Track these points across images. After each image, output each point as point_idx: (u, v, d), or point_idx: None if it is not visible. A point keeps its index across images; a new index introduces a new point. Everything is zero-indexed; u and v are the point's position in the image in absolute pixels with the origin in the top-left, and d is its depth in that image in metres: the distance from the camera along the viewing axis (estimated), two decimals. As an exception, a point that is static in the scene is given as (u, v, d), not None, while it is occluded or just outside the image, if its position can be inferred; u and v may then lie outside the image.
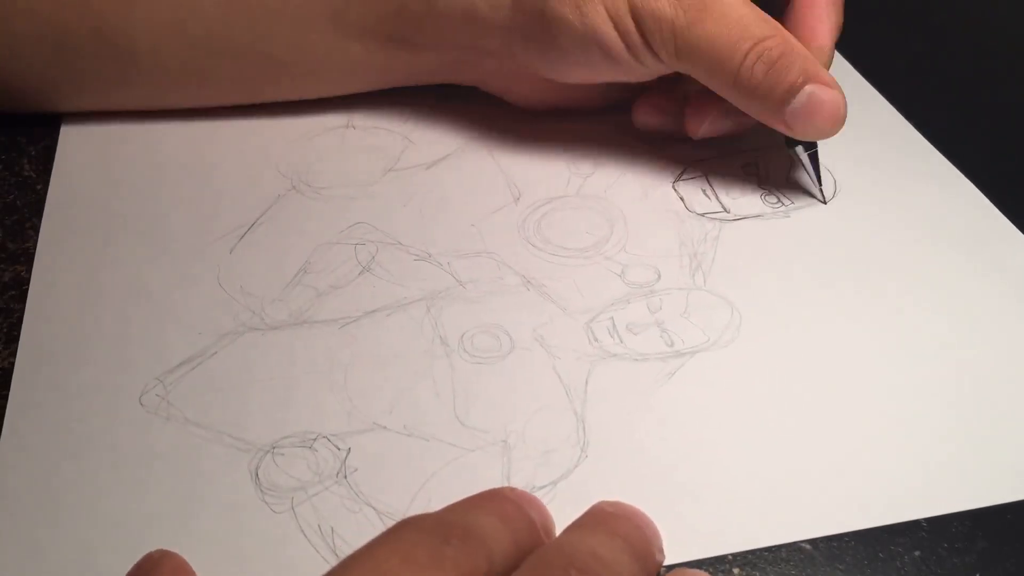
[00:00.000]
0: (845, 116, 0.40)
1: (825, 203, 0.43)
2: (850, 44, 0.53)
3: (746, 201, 0.43)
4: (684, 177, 0.44)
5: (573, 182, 0.44)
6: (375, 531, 0.30)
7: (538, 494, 0.31)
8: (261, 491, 0.31)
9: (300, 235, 0.41)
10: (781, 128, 0.40)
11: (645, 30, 0.39)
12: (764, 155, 0.45)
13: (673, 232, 0.41)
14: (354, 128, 0.47)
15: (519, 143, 0.46)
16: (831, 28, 0.42)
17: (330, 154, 0.45)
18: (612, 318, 0.37)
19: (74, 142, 0.45)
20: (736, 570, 0.29)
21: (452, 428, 0.33)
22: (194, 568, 0.29)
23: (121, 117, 0.46)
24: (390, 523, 0.30)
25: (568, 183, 0.44)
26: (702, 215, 0.42)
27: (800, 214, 0.42)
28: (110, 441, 0.32)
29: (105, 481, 0.31)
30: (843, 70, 0.51)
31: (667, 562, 0.29)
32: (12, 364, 0.35)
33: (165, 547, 0.29)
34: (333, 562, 0.28)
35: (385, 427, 0.33)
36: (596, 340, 0.36)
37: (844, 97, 0.40)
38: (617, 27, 0.39)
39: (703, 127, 0.43)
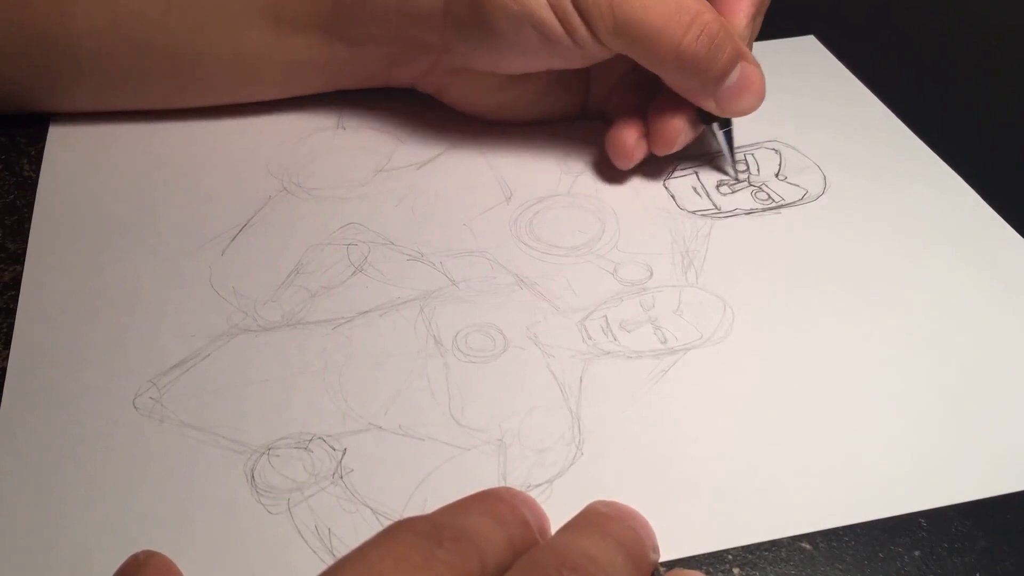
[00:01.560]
0: (765, 94, 0.41)
1: (738, 181, 0.44)
2: (841, 41, 0.53)
3: (737, 198, 0.43)
4: (675, 175, 0.44)
5: (564, 180, 0.44)
6: (372, 531, 0.30)
7: (534, 492, 0.31)
8: (257, 492, 0.31)
9: (292, 236, 0.41)
10: (710, 105, 0.40)
11: (582, 7, 0.38)
12: (754, 152, 0.45)
13: (665, 230, 0.41)
14: (344, 129, 0.47)
15: (509, 142, 0.46)
16: (749, 5, 0.41)
17: (321, 155, 0.45)
18: (605, 316, 0.37)
19: (63, 143, 0.45)
20: (736, 570, 0.30)
21: (447, 427, 0.33)
22: (191, 570, 0.29)
23: (110, 118, 0.46)
24: (387, 523, 0.30)
25: (559, 182, 0.44)
26: (693, 212, 0.42)
27: (791, 211, 0.42)
28: (105, 444, 0.32)
29: (100, 484, 0.31)
30: (833, 67, 0.51)
31: (663, 559, 0.29)
32: (10, 366, 0.35)
33: (161, 550, 0.29)
34: (330, 563, 0.28)
35: (380, 427, 0.33)
36: (590, 338, 0.36)
37: (763, 75, 0.41)
38: (553, 6, 0.39)
39: (679, 140, 0.42)
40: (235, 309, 0.37)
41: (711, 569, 0.30)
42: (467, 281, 0.39)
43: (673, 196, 0.43)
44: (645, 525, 0.28)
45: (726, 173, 0.44)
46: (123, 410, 0.33)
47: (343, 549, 0.29)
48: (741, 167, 0.44)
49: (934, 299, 0.38)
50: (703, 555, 0.30)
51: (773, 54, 0.52)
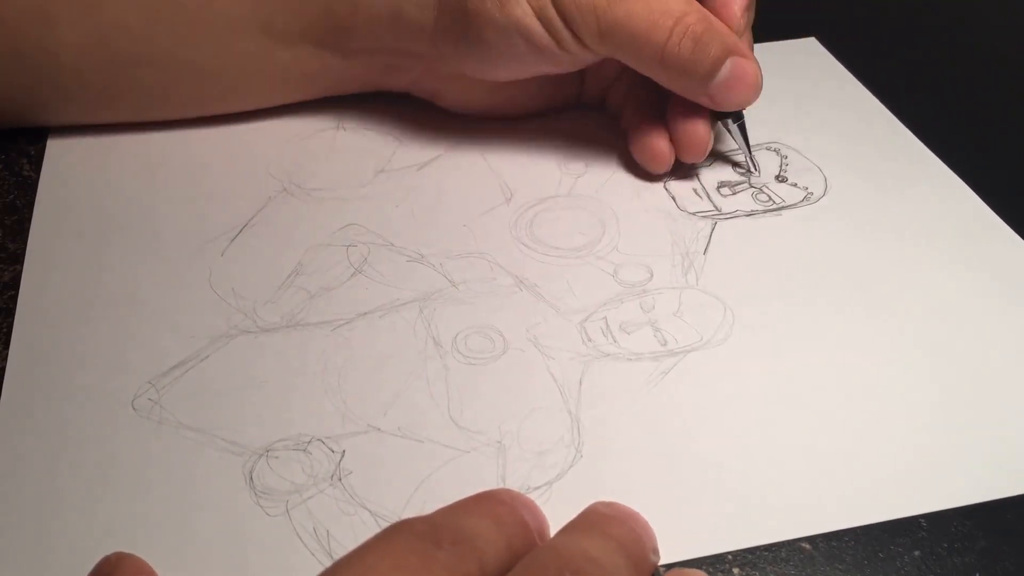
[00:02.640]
0: (762, 83, 0.41)
1: (758, 174, 0.44)
2: (842, 43, 0.53)
3: (738, 200, 0.43)
4: (675, 176, 0.44)
5: (564, 182, 0.44)
6: (370, 533, 0.29)
7: (533, 495, 0.31)
8: (256, 494, 0.31)
9: (291, 237, 0.40)
10: (704, 101, 0.41)
11: (567, 15, 0.39)
12: (755, 154, 0.45)
13: (665, 231, 0.41)
14: (344, 130, 0.46)
15: (510, 143, 0.46)
16: (742, 1, 0.42)
17: (321, 156, 0.45)
18: (605, 318, 0.37)
19: (63, 144, 0.45)
20: (736, 570, 0.29)
21: (447, 429, 0.33)
22: (189, 572, 0.29)
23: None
24: (385, 525, 0.30)
25: (560, 183, 0.44)
26: (694, 214, 0.42)
27: (792, 213, 0.42)
28: (103, 445, 0.32)
29: (98, 485, 0.31)
30: (834, 69, 0.51)
31: (664, 561, 0.29)
32: (10, 366, 0.35)
33: (159, 551, 0.29)
34: (328, 564, 0.28)
35: (379, 429, 0.33)
36: (590, 340, 0.36)
37: (759, 65, 0.41)
38: (539, 15, 0.39)
39: (708, 146, 0.43)
40: (234, 310, 0.37)
41: (711, 569, 0.29)
42: (467, 283, 0.39)
43: (674, 197, 0.43)
44: (646, 526, 0.28)
45: (743, 167, 0.44)
46: (122, 411, 0.33)
47: (341, 551, 0.29)
48: (741, 170, 0.44)
49: (934, 301, 0.38)
50: (703, 556, 0.30)
51: (774, 56, 0.52)
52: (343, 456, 0.32)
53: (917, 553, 0.30)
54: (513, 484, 0.32)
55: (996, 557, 0.30)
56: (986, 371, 0.35)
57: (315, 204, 0.42)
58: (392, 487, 0.31)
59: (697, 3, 0.40)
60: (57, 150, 0.45)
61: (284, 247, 0.40)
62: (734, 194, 0.43)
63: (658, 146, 0.43)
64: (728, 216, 0.42)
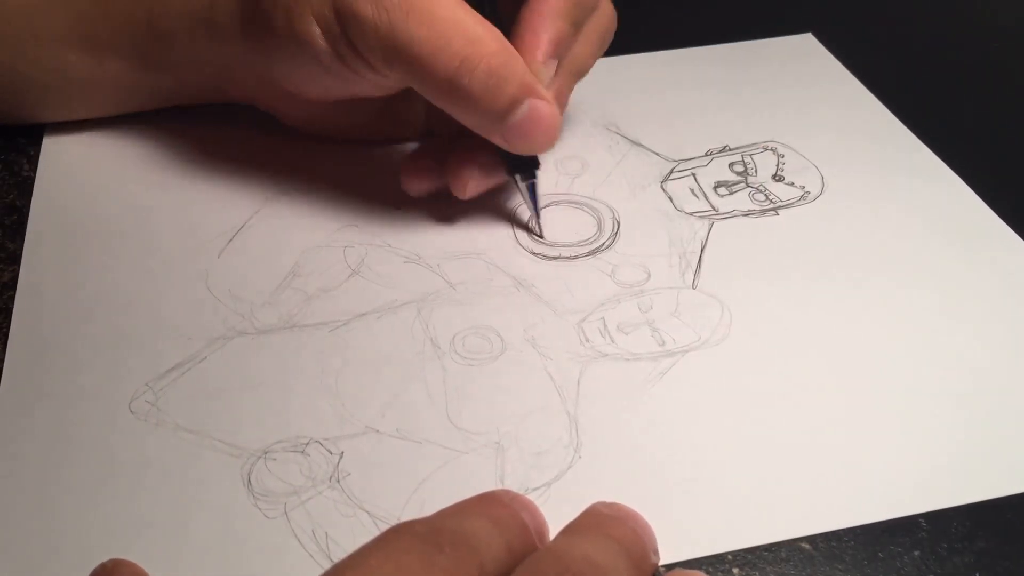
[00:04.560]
0: (559, 134, 0.38)
1: (542, 238, 0.41)
2: (838, 39, 0.53)
3: (734, 199, 0.43)
4: (672, 176, 0.44)
5: (561, 182, 0.44)
6: (369, 535, 0.29)
7: (532, 495, 0.31)
8: (254, 496, 0.31)
9: (288, 238, 0.40)
10: (498, 141, 0.38)
11: (351, 34, 0.36)
12: (751, 153, 0.45)
13: (662, 231, 0.41)
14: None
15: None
16: (551, 41, 0.38)
17: (319, 156, 0.45)
18: (603, 318, 0.37)
19: (59, 144, 0.45)
20: (736, 570, 0.29)
21: (445, 430, 0.33)
22: (187, 575, 0.29)
23: (109, 120, 0.46)
24: (384, 527, 0.30)
25: (556, 183, 0.44)
26: (691, 214, 0.42)
27: (789, 212, 0.42)
28: (100, 447, 0.32)
29: (96, 488, 0.31)
30: (831, 66, 0.51)
31: (664, 561, 0.29)
32: (9, 366, 0.35)
33: (157, 554, 0.29)
34: (327, 567, 0.28)
35: (378, 430, 0.33)
36: (587, 340, 0.36)
37: (559, 114, 0.38)
38: (325, 34, 0.36)
39: (468, 188, 0.40)
40: (231, 312, 0.37)
41: (711, 569, 0.29)
42: (464, 283, 0.39)
43: (671, 198, 0.43)
44: (646, 527, 0.28)
45: (530, 230, 0.41)
46: (119, 413, 0.33)
47: (340, 553, 0.29)
48: (534, 224, 0.41)
49: (932, 300, 0.38)
50: (703, 556, 0.30)
51: (770, 53, 0.52)
52: (341, 458, 0.32)
53: (917, 553, 0.30)
54: (512, 485, 0.32)
55: (996, 557, 0.30)
56: (985, 369, 0.35)
57: (312, 205, 0.42)
58: (391, 488, 0.31)
59: (498, 32, 0.36)
60: (54, 150, 0.44)
61: (281, 248, 0.40)
62: (731, 194, 0.43)
63: (412, 176, 0.41)
64: (725, 216, 0.42)
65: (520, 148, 0.38)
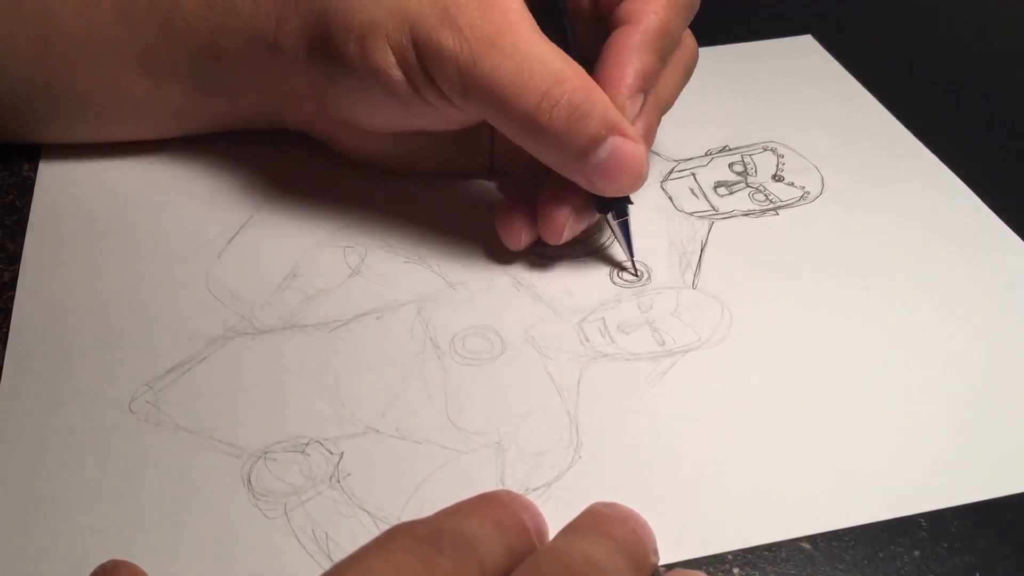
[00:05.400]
0: (647, 174, 0.36)
1: (638, 278, 0.39)
2: (838, 40, 0.53)
3: (734, 199, 0.43)
4: (672, 176, 0.44)
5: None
6: (369, 535, 0.29)
7: (532, 496, 0.31)
8: (254, 497, 0.31)
9: (289, 238, 0.40)
10: (581, 181, 0.36)
11: (429, 66, 0.35)
12: (751, 153, 0.45)
13: (662, 231, 0.41)
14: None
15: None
16: (637, 74, 0.37)
17: (320, 157, 0.45)
18: (603, 318, 0.37)
19: (60, 146, 0.45)
20: (736, 570, 0.29)
21: (445, 430, 0.33)
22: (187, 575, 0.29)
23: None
24: (384, 527, 0.30)
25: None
26: (691, 214, 0.42)
27: (789, 212, 0.42)
28: (100, 448, 0.32)
29: (95, 488, 0.31)
30: (830, 67, 0.51)
31: (664, 561, 0.29)
32: (8, 366, 0.35)
33: (157, 555, 0.29)
34: (328, 567, 0.28)
35: (378, 430, 0.33)
36: (587, 340, 0.36)
37: (646, 152, 0.36)
38: (401, 63, 0.35)
39: (564, 233, 0.38)
40: (231, 312, 0.37)
41: (711, 569, 0.29)
42: (464, 283, 0.39)
43: (671, 197, 0.43)
44: (645, 527, 0.28)
45: (624, 268, 0.39)
46: (119, 413, 0.33)
47: (340, 554, 0.29)
48: (640, 265, 0.40)
49: (932, 300, 0.38)
50: (703, 556, 0.30)
51: (770, 54, 0.53)
52: (341, 458, 0.32)
53: (917, 553, 0.30)
54: (512, 485, 0.31)
55: (996, 557, 0.30)
56: (985, 369, 0.35)
57: (312, 205, 0.42)
58: (390, 489, 0.31)
59: (580, 68, 0.35)
60: (54, 151, 0.44)
61: (281, 249, 0.40)
62: (731, 194, 0.43)
63: (510, 222, 0.39)
64: (725, 216, 0.42)
65: (603, 189, 0.36)
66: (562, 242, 0.38)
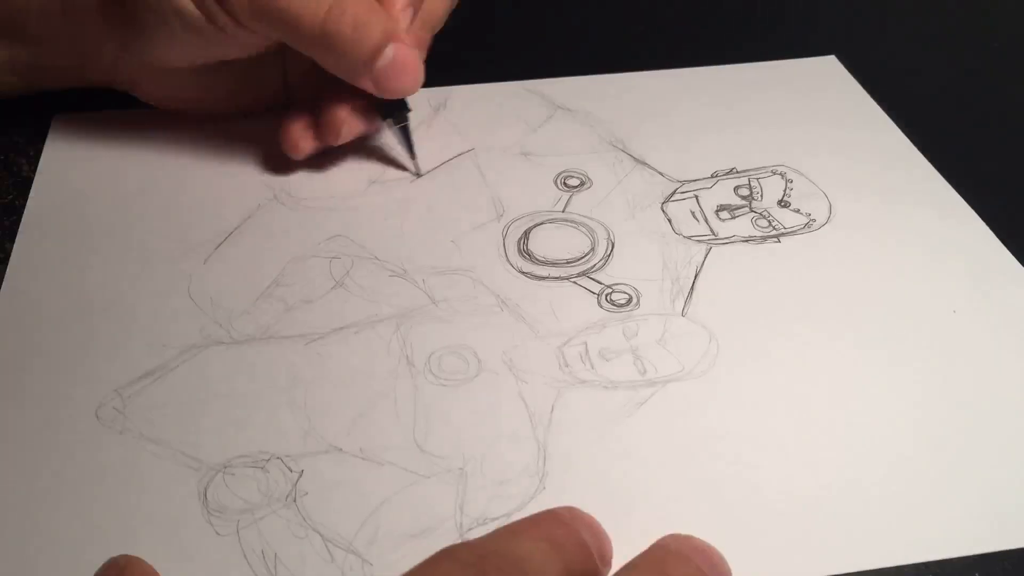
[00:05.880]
0: (423, 77, 0.41)
1: (420, 176, 0.44)
2: (865, 63, 0.51)
3: (736, 224, 0.42)
4: (674, 198, 0.43)
5: (560, 199, 0.43)
6: (320, 558, 0.29)
7: (491, 526, 0.30)
8: (207, 512, 0.30)
9: (276, 247, 0.40)
10: (367, 85, 0.40)
11: None
12: (758, 177, 0.44)
13: (657, 255, 0.40)
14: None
15: (510, 158, 0.45)
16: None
17: (316, 163, 0.44)
18: (585, 343, 0.36)
19: (61, 144, 0.45)
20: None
21: (409, 453, 0.32)
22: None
23: (109, 119, 0.46)
24: (336, 551, 0.30)
25: (557, 201, 0.43)
26: (688, 238, 0.41)
27: (792, 240, 0.41)
28: (61, 454, 0.32)
29: (51, 494, 0.31)
30: (852, 90, 0.50)
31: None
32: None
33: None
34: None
35: (341, 449, 0.32)
36: (567, 365, 0.35)
37: (422, 59, 0.41)
38: None
39: (342, 132, 0.42)
40: (210, 320, 0.37)
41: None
42: (448, 300, 0.38)
43: (670, 220, 0.42)
44: (718, 564, 0.27)
45: (407, 170, 0.44)
46: (84, 419, 0.33)
47: (288, 575, 0.29)
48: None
49: (936, 341, 0.37)
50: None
51: (790, 74, 0.51)
52: (300, 476, 0.32)
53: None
54: (471, 513, 0.31)
55: (996, 558, 0.30)
56: (991, 410, 0.34)
57: (304, 213, 0.42)
58: (347, 510, 0.31)
59: None
60: (55, 151, 0.44)
61: (268, 257, 0.39)
62: (733, 218, 0.42)
63: (291, 129, 0.43)
64: (724, 241, 0.41)
65: (389, 91, 0.41)
66: (341, 142, 0.43)
